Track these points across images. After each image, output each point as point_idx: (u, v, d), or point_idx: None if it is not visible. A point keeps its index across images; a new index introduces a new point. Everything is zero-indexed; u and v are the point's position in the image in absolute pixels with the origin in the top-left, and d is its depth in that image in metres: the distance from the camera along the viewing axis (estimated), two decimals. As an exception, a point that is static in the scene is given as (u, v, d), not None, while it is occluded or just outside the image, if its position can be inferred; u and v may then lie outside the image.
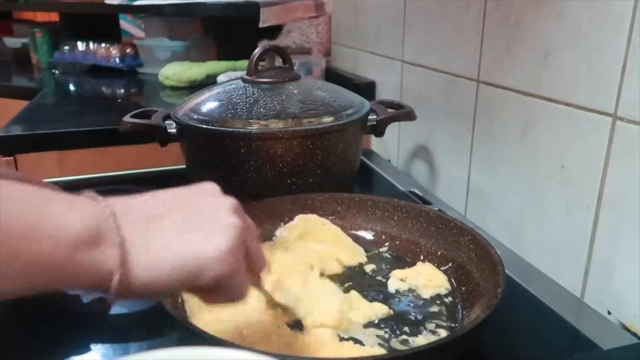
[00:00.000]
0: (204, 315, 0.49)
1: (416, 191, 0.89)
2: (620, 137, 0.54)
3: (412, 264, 0.62)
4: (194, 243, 0.34)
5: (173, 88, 1.42)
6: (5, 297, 0.30)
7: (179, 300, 0.52)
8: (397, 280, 0.58)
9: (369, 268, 0.61)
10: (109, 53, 1.68)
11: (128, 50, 1.68)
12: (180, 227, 0.34)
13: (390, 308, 0.53)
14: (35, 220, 0.29)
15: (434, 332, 0.50)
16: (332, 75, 1.28)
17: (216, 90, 0.78)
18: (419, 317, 0.53)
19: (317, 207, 0.68)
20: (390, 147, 1.07)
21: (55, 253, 0.30)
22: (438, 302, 0.55)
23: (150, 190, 0.37)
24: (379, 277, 0.60)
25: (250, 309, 0.50)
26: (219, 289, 0.35)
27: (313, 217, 0.66)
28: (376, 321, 0.52)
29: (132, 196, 0.36)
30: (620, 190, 0.55)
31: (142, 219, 0.34)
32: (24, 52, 1.97)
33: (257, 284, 0.42)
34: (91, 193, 0.34)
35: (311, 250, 0.61)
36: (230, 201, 0.38)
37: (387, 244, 0.65)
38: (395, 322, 0.52)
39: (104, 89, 1.58)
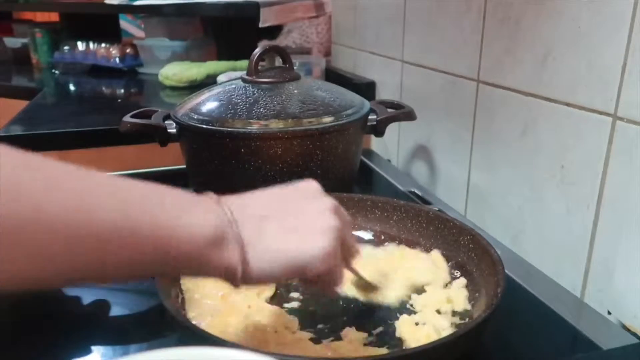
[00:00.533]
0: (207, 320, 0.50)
1: (416, 191, 0.89)
2: (620, 137, 0.54)
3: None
4: (300, 244, 0.39)
5: (173, 88, 1.42)
6: (146, 278, 0.38)
7: (179, 300, 0.52)
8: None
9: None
10: (109, 53, 1.68)
11: (128, 50, 1.68)
12: (287, 229, 0.40)
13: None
14: (177, 224, 0.34)
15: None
16: (332, 75, 1.28)
17: (216, 90, 0.78)
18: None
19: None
20: (390, 147, 1.07)
21: (192, 251, 0.35)
22: (438, 302, 0.55)
23: None
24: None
25: (253, 313, 0.51)
26: (320, 280, 0.42)
27: None
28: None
29: (242, 195, 0.41)
30: (620, 190, 0.55)
31: (255, 219, 0.39)
32: (24, 52, 1.97)
33: (350, 268, 0.48)
34: (210, 194, 0.39)
35: None
36: (330, 203, 0.43)
37: (386, 244, 0.65)
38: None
39: (104, 89, 1.57)
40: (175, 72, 1.41)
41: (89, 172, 0.33)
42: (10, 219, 0.27)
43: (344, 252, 0.43)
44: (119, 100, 1.47)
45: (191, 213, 0.36)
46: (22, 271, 0.29)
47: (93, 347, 0.52)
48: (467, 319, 0.52)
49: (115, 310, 0.58)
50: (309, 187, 0.45)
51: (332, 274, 0.41)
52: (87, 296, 0.59)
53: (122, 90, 1.55)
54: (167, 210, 0.35)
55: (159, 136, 0.75)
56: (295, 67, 0.80)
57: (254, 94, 0.73)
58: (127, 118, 0.75)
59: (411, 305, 0.54)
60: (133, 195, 0.34)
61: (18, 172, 0.29)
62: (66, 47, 1.76)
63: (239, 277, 0.37)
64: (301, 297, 0.55)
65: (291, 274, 0.39)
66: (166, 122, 0.76)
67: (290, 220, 0.40)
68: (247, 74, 0.76)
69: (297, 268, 0.39)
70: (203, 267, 0.36)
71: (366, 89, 1.11)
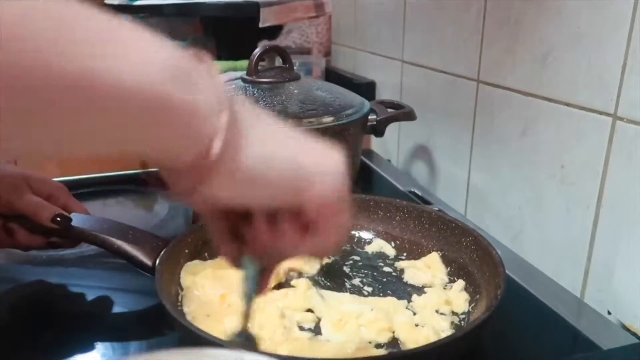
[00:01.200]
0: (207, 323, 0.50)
1: (416, 191, 0.89)
2: (620, 137, 0.54)
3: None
4: (311, 150, 0.30)
5: (173, 88, 1.42)
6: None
7: (179, 300, 0.52)
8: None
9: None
10: (109, 53, 1.67)
11: (128, 50, 1.68)
12: (297, 134, 0.31)
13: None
14: (189, 98, 0.25)
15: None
16: (332, 75, 1.28)
17: (216, 90, 0.77)
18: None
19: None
20: (390, 147, 1.07)
21: (194, 126, 0.26)
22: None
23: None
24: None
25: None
26: (318, 223, 0.31)
27: None
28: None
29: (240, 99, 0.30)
30: (620, 190, 0.55)
31: (254, 112, 0.30)
32: (24, 52, 1.97)
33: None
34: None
35: None
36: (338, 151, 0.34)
37: (389, 244, 0.65)
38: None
39: (104, 89, 1.57)
40: (175, 72, 1.41)
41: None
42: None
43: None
44: (119, 100, 1.47)
45: (199, 89, 0.26)
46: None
47: (93, 345, 0.52)
48: (467, 320, 0.52)
49: (116, 309, 0.58)
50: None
51: (337, 214, 0.32)
52: (88, 295, 0.60)
53: (122, 90, 1.55)
54: (182, 85, 0.25)
55: (159, 136, 0.75)
56: (295, 67, 0.80)
57: (254, 94, 0.73)
58: (127, 118, 0.75)
59: (411, 307, 0.54)
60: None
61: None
62: (66, 47, 1.76)
63: (215, 152, 0.26)
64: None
65: (290, 187, 0.29)
66: (166, 122, 0.76)
67: (303, 137, 0.32)
68: (247, 74, 0.76)
69: (301, 180, 0.29)
70: (163, 108, 0.25)
71: (366, 89, 1.11)
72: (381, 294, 0.56)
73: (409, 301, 0.55)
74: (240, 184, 0.28)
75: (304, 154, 0.30)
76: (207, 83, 0.27)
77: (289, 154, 0.30)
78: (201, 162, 0.26)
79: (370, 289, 0.57)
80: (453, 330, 0.50)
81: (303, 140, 0.31)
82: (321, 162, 0.30)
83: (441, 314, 0.53)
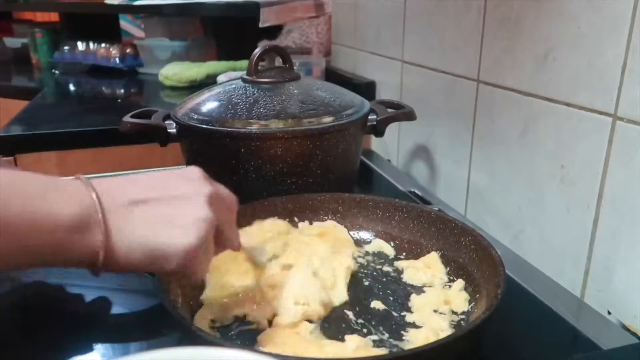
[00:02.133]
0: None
1: (416, 191, 0.89)
2: (620, 137, 0.54)
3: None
4: (163, 236, 0.39)
5: (173, 88, 1.42)
6: (4, 269, 0.36)
7: (179, 300, 0.52)
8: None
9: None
10: (109, 53, 1.68)
11: (128, 50, 1.68)
12: (157, 217, 0.39)
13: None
14: (35, 210, 0.34)
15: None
16: (332, 75, 1.28)
17: (216, 90, 0.78)
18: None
19: (318, 207, 0.68)
20: (390, 147, 1.07)
21: (52, 238, 0.35)
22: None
23: None
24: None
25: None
26: (182, 272, 0.41)
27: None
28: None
29: (116, 179, 0.41)
30: (620, 190, 0.55)
31: (124, 204, 0.39)
32: (24, 52, 1.98)
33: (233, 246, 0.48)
34: (80, 176, 0.39)
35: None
36: (208, 190, 0.42)
37: (388, 244, 0.65)
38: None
39: (104, 89, 1.58)
40: (175, 72, 1.41)
41: None
42: None
43: (219, 238, 0.44)
44: (119, 100, 1.47)
45: (53, 199, 0.35)
46: None
47: (93, 346, 0.52)
48: (466, 320, 0.52)
49: (115, 309, 0.58)
50: (191, 172, 0.44)
51: (194, 267, 0.41)
52: (88, 295, 0.59)
53: (122, 90, 1.55)
54: (29, 197, 0.35)
55: (159, 136, 0.75)
56: (295, 67, 0.81)
57: (254, 94, 0.73)
58: (127, 118, 0.75)
59: (410, 307, 0.54)
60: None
61: None
62: (66, 47, 1.76)
63: (100, 262, 0.37)
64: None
65: (151, 264, 0.39)
66: (166, 122, 0.76)
67: (162, 207, 0.40)
68: (247, 74, 0.76)
69: (156, 259, 0.39)
70: (66, 254, 0.36)
71: (366, 89, 1.11)
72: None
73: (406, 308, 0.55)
74: (121, 268, 0.40)
75: (160, 233, 0.39)
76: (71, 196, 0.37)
77: (148, 237, 0.39)
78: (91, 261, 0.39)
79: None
80: (453, 330, 0.50)
81: (165, 219, 0.40)
82: (171, 241, 0.39)
83: (440, 313, 0.53)
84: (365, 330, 0.50)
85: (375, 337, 0.49)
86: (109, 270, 0.38)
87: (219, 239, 0.45)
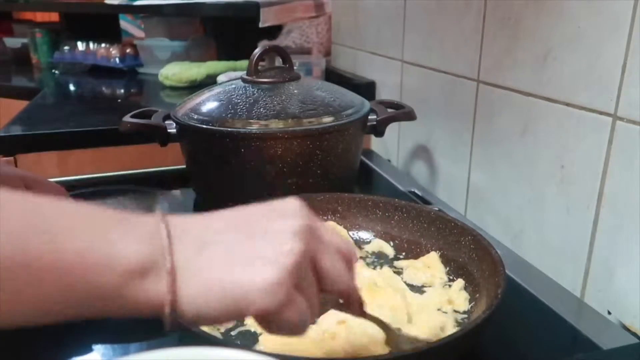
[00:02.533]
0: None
1: (416, 191, 0.89)
2: (620, 137, 0.54)
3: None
4: (242, 273, 0.32)
5: (173, 88, 1.42)
6: (52, 321, 0.29)
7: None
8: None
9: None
10: (109, 53, 1.68)
11: (128, 50, 1.68)
12: (233, 256, 0.32)
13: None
14: (89, 250, 0.28)
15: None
16: (332, 75, 1.28)
17: (216, 90, 0.78)
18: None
19: (318, 207, 0.67)
20: (390, 147, 1.07)
21: (106, 285, 0.29)
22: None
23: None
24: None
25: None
26: (272, 321, 0.33)
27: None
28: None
29: (195, 216, 0.34)
30: (620, 190, 0.55)
31: (197, 244, 0.32)
32: (24, 52, 1.98)
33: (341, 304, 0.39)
34: (158, 214, 0.32)
35: None
36: (301, 223, 0.34)
37: (387, 244, 0.65)
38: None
39: (104, 89, 1.58)
40: (175, 72, 1.41)
41: None
42: None
43: (322, 282, 0.35)
44: (119, 100, 1.47)
45: (114, 239, 0.29)
46: None
47: (93, 346, 0.52)
48: (467, 319, 0.52)
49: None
50: (286, 206, 0.36)
51: (283, 312, 0.32)
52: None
53: (122, 90, 1.55)
54: (81, 236, 0.29)
55: (159, 136, 0.75)
56: (295, 67, 0.81)
57: (254, 94, 0.73)
58: (127, 118, 0.75)
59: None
60: (41, 220, 0.28)
61: None
62: (66, 47, 1.76)
63: (167, 313, 0.30)
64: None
65: (230, 310, 0.31)
66: (166, 122, 0.76)
67: (244, 246, 0.33)
68: (247, 74, 0.76)
69: (236, 303, 0.31)
70: (125, 304, 0.30)
71: (366, 89, 1.11)
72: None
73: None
74: (193, 319, 0.32)
75: (237, 273, 0.32)
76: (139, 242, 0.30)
77: (223, 278, 0.32)
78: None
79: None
80: (453, 329, 0.50)
81: (246, 258, 0.32)
82: (250, 281, 0.32)
83: (443, 312, 0.53)
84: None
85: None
86: (181, 321, 0.31)
87: (324, 284, 0.36)
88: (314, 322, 0.35)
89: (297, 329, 0.34)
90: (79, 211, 0.30)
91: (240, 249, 0.32)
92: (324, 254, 0.35)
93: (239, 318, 0.34)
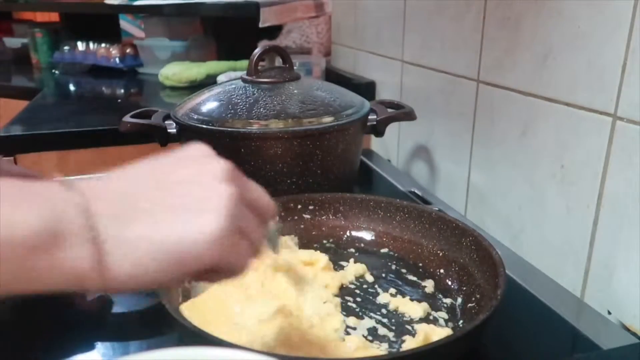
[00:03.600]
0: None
1: (416, 191, 0.89)
2: (620, 137, 0.54)
3: (414, 265, 0.62)
4: (178, 227, 0.29)
5: (173, 88, 1.42)
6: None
7: (179, 300, 0.52)
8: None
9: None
10: (109, 53, 1.68)
11: (128, 50, 1.68)
12: (161, 208, 0.30)
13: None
14: None
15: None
16: (332, 75, 1.28)
17: (216, 90, 0.78)
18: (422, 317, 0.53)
19: (319, 207, 0.68)
20: (390, 147, 1.07)
21: (11, 259, 0.26)
22: (439, 302, 0.55)
23: None
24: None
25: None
26: (216, 271, 0.31)
27: None
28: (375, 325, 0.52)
29: (101, 175, 0.32)
30: (620, 190, 0.55)
31: (116, 202, 0.29)
32: (24, 52, 1.98)
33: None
34: (58, 178, 0.30)
35: None
36: (220, 165, 0.33)
37: (389, 244, 0.65)
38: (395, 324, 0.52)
39: (104, 89, 1.58)
40: (175, 72, 1.41)
41: None
42: None
43: (254, 213, 0.34)
44: (119, 100, 1.47)
45: (16, 208, 0.27)
46: None
47: (93, 345, 0.52)
48: (467, 320, 0.52)
49: (116, 309, 0.58)
50: (194, 149, 0.35)
51: (230, 258, 0.31)
52: (88, 294, 0.59)
53: (122, 90, 1.55)
54: None
55: (159, 136, 0.75)
56: (295, 67, 0.81)
57: (254, 94, 0.73)
58: (127, 118, 0.75)
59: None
60: None
61: None
62: (66, 47, 1.76)
63: (94, 284, 0.28)
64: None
65: (172, 269, 0.29)
66: (166, 122, 0.76)
67: (164, 195, 0.30)
68: (247, 74, 0.76)
69: (180, 262, 0.29)
70: (38, 279, 0.27)
71: (366, 89, 1.11)
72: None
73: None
74: (125, 286, 0.29)
75: (172, 228, 0.30)
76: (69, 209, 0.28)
77: (161, 236, 0.29)
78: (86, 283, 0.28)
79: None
80: (453, 331, 0.50)
81: (176, 209, 0.30)
82: (191, 234, 0.30)
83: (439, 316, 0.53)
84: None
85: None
86: (109, 291, 0.30)
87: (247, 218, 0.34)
88: (257, 257, 0.35)
89: (240, 271, 0.33)
90: None
91: (167, 200, 0.30)
92: (249, 185, 0.35)
93: (181, 277, 0.30)
